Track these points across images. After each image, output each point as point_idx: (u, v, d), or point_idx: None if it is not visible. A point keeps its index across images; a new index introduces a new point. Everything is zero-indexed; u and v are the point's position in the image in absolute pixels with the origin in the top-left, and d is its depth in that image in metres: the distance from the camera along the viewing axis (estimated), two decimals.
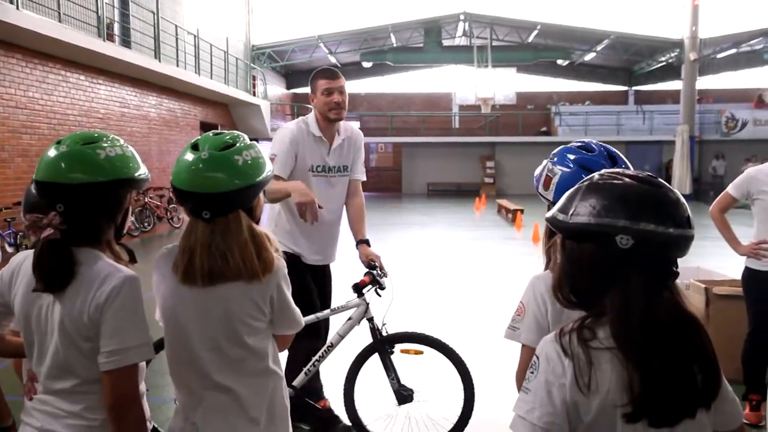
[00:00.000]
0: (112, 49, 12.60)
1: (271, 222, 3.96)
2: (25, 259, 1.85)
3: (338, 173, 3.93)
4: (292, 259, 3.78)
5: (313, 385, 3.92)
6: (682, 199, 1.42)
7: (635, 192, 1.39)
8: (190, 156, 1.89)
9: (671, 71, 28.42)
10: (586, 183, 1.45)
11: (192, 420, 1.95)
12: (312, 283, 3.91)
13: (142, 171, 1.87)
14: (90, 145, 1.79)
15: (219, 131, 2.00)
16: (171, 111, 17.38)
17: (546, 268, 1.99)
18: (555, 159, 2.09)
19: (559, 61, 30.57)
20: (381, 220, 19.62)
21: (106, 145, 1.81)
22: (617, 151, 2.08)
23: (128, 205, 1.91)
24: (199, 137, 1.97)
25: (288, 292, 1.99)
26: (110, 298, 1.71)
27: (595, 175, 1.47)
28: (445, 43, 29.03)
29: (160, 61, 15.02)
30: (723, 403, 1.43)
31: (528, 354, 1.94)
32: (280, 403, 2.03)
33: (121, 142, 1.87)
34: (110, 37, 13.31)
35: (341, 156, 3.93)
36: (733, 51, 27.92)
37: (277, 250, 1.99)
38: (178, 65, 16.54)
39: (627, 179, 1.41)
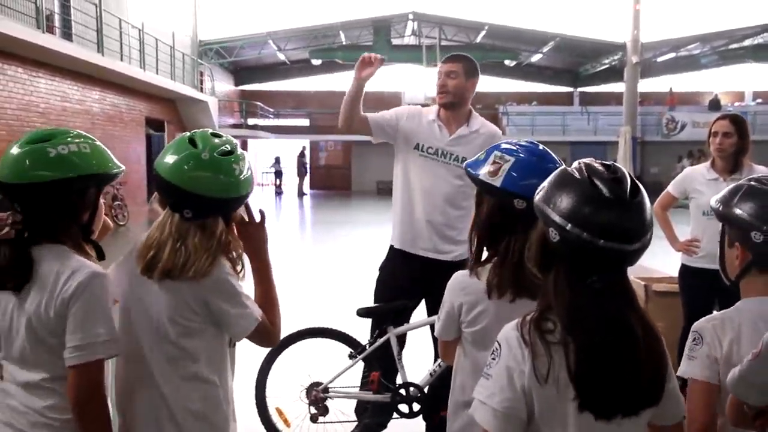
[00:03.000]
0: (52, 42, 12.24)
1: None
2: None
3: (453, 161, 3.53)
4: (395, 253, 3.70)
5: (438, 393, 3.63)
6: (634, 211, 1.38)
7: (581, 191, 1.38)
8: (187, 152, 1.83)
9: (614, 73, 29.07)
10: (559, 169, 1.49)
11: (124, 415, 1.93)
12: (403, 278, 3.66)
13: (102, 167, 1.82)
14: (42, 143, 1.77)
15: (212, 131, 1.95)
16: (115, 106, 16.98)
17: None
18: (503, 148, 2.03)
19: (507, 62, 30.97)
20: (329, 218, 19.60)
21: (59, 142, 1.78)
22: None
23: (93, 202, 1.86)
24: (194, 132, 1.91)
25: (226, 300, 1.89)
26: (76, 294, 1.71)
27: (575, 163, 1.47)
28: (395, 42, 29.11)
29: (103, 54, 14.65)
30: (666, 399, 1.47)
31: (443, 346, 2.18)
32: (208, 410, 1.93)
33: (83, 139, 1.83)
34: (50, 29, 12.92)
35: (463, 147, 3.51)
36: (672, 55, 28.73)
37: (238, 257, 1.95)
38: (122, 59, 16.14)
39: (589, 175, 1.40)
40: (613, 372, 1.36)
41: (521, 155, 1.97)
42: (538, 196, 1.45)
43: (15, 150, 1.77)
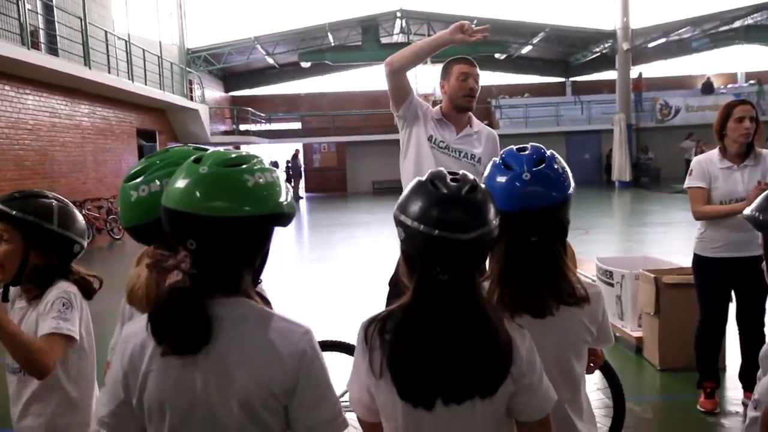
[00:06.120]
0: (39, 58, 12.06)
1: None
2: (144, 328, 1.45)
3: (464, 158, 3.64)
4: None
5: None
6: (468, 205, 1.48)
7: (422, 192, 1.50)
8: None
9: (606, 61, 28.97)
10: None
11: None
12: None
13: (290, 202, 1.50)
14: (236, 167, 1.44)
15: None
16: (105, 119, 16.82)
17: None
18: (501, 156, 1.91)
19: (497, 55, 30.86)
20: (326, 220, 19.48)
21: (255, 169, 1.44)
22: (553, 155, 1.86)
23: (269, 245, 1.54)
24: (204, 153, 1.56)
25: None
26: (304, 364, 1.44)
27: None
28: (384, 40, 28.99)
29: (90, 68, 14.48)
30: (525, 396, 1.53)
31: None
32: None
33: (269, 166, 1.50)
34: (35, 45, 12.77)
35: (471, 144, 3.68)
36: (663, 40, 28.65)
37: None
38: (110, 72, 15.97)
39: (431, 179, 1.52)
40: (426, 361, 1.46)
41: (495, 163, 1.85)
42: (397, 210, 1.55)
43: (195, 171, 1.41)
